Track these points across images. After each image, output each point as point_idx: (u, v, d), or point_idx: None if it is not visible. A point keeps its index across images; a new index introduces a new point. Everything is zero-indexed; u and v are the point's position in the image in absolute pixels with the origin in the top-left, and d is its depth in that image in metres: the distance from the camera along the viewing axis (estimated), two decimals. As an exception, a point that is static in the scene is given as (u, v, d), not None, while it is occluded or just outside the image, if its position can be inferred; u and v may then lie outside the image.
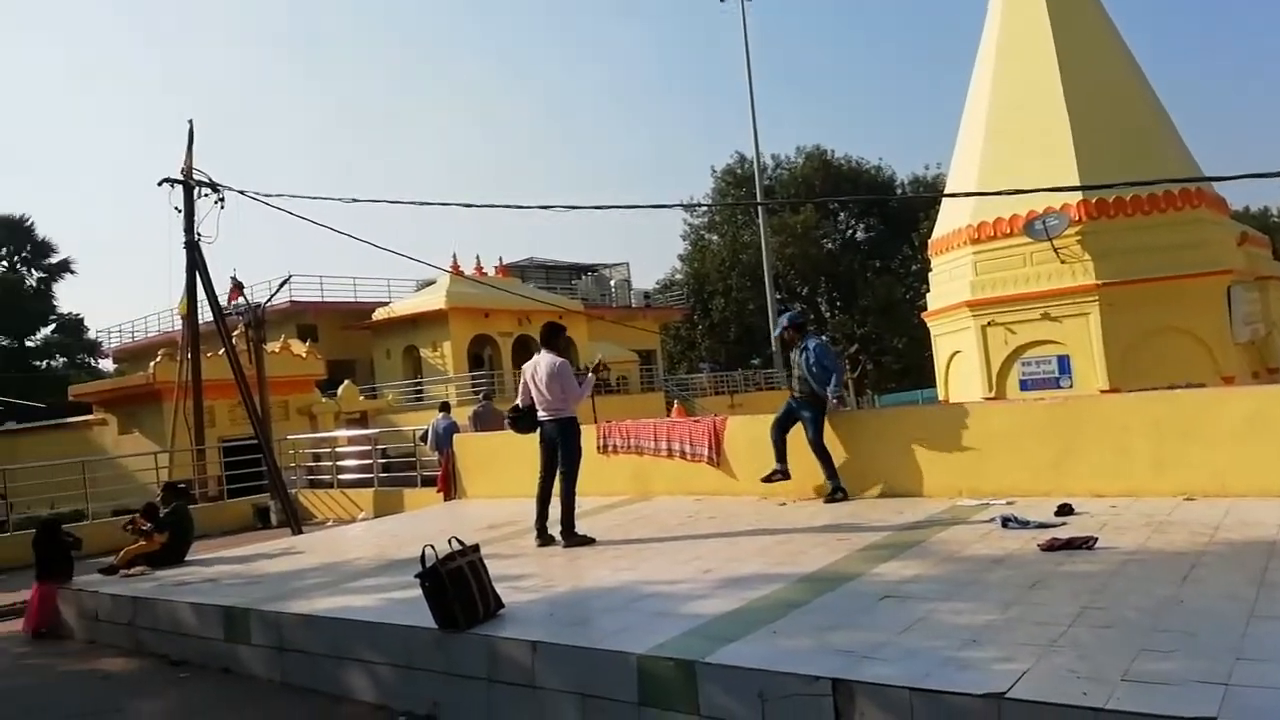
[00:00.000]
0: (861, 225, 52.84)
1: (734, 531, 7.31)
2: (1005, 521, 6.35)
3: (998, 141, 17.33)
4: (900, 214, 48.27)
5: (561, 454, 7.48)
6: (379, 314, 33.20)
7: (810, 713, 3.66)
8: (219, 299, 16.54)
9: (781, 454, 8.40)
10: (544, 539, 7.49)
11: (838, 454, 8.31)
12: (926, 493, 7.92)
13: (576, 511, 7.53)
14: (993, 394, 16.59)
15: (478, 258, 33.79)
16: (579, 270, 43.06)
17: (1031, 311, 16.63)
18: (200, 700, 5.88)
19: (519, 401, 7.81)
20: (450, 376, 30.39)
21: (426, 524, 9.66)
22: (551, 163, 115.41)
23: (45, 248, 45.18)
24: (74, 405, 27.12)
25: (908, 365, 45.79)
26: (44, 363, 45.71)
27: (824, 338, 8.89)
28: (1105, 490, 7.04)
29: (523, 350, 32.78)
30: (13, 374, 39.15)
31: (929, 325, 19.52)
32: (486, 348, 33.38)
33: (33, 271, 44.80)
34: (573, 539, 7.37)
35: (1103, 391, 14.96)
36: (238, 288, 19.60)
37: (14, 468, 16.57)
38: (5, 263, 43.22)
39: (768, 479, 8.38)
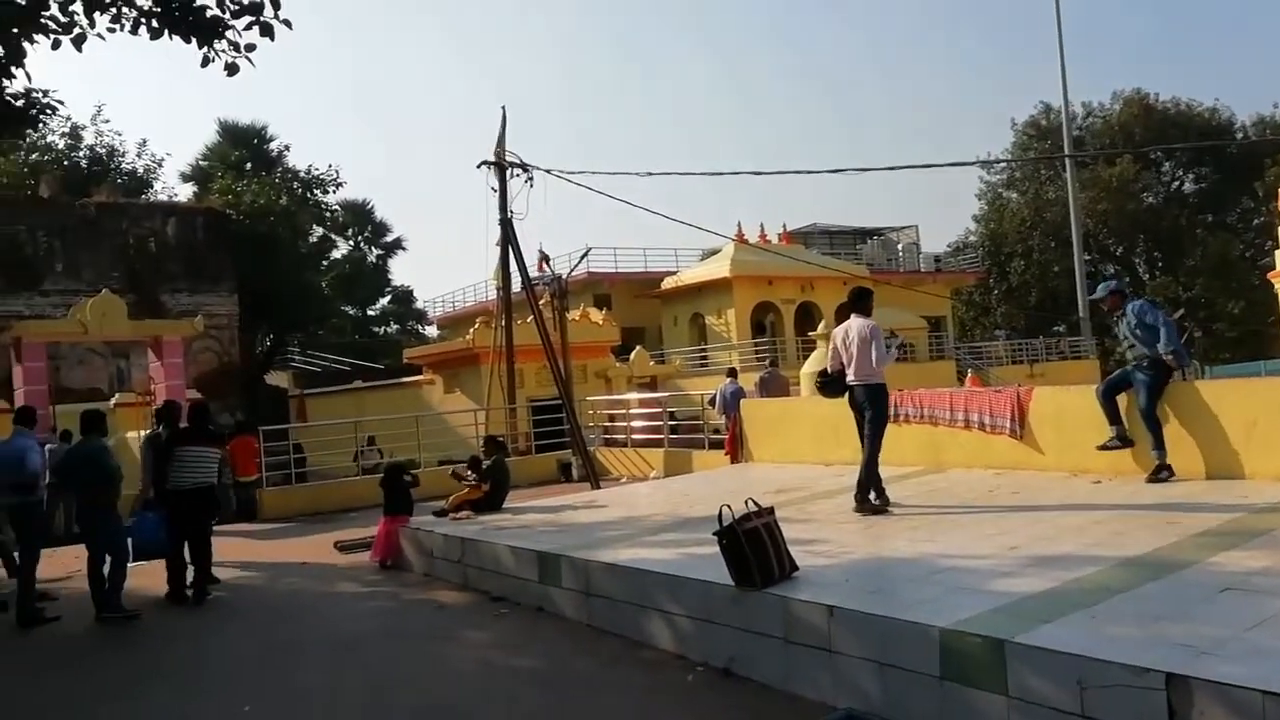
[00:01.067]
0: (1190, 175, 47.06)
1: (1042, 507, 6.87)
2: (1383, 513, 5.46)
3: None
4: (1240, 161, 42.45)
5: (869, 418, 7.38)
6: (667, 283, 34.35)
7: (1139, 707, 3.39)
8: (528, 270, 17.84)
9: (1116, 417, 7.75)
10: (865, 505, 7.32)
11: (1165, 428, 7.51)
12: (1276, 476, 6.98)
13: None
14: (1362, 366, 14.23)
15: (761, 225, 33.90)
16: (864, 234, 41.88)
17: None
18: (520, 634, 6.48)
19: (828, 366, 7.79)
20: (733, 343, 30.87)
21: (716, 485, 9.93)
22: (834, 127, 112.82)
23: (382, 228, 51.09)
24: (407, 366, 30.60)
25: (1245, 333, 40.32)
26: (381, 329, 52.04)
27: (1145, 299, 8.09)
28: None
29: (805, 318, 32.55)
30: (358, 339, 44.93)
31: (1276, 287, 17.06)
32: (769, 315, 33.51)
33: (372, 249, 50.79)
34: (866, 506, 7.27)
35: None
36: (545, 259, 21.02)
37: (364, 420, 19.17)
38: (352, 242, 49.27)
39: (1104, 447, 7.79)
